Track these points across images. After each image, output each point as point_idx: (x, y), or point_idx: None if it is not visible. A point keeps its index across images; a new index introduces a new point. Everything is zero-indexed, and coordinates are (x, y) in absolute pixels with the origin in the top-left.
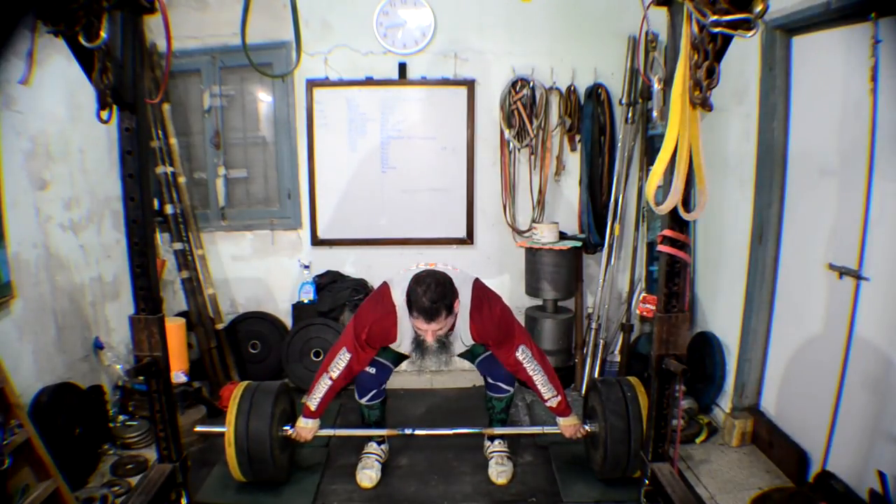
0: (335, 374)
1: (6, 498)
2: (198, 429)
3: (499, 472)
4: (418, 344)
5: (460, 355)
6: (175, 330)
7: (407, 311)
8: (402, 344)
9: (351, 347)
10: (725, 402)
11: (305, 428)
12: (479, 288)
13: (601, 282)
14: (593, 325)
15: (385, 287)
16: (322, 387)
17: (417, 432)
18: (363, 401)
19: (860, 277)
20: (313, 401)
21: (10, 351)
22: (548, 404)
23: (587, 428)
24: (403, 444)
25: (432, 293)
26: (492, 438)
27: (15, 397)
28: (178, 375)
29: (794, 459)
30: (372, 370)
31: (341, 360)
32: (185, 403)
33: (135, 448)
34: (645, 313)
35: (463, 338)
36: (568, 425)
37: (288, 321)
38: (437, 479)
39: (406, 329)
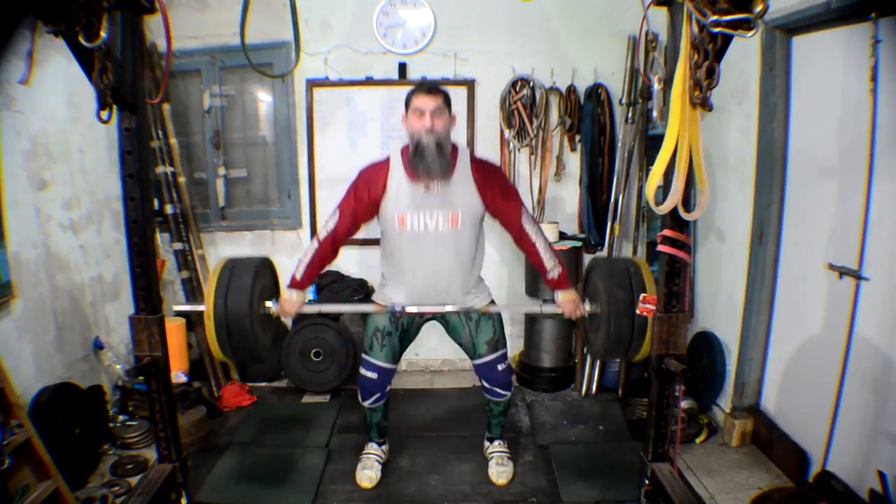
0: (323, 234)
1: (6, 498)
2: (176, 307)
3: (499, 472)
4: (415, 150)
5: (456, 340)
6: (175, 330)
7: (400, 159)
8: (393, 189)
9: (342, 205)
10: (725, 402)
11: (290, 301)
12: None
13: None
14: None
15: None
16: (309, 251)
17: (409, 310)
18: (366, 403)
19: (860, 277)
20: (299, 269)
21: (10, 351)
22: (549, 276)
23: (587, 308)
24: (403, 444)
25: (431, 82)
26: (492, 439)
27: (15, 397)
28: (178, 375)
29: (794, 459)
30: (374, 375)
31: (331, 221)
32: (185, 403)
33: (135, 448)
34: (645, 313)
35: (464, 179)
36: (567, 300)
37: (288, 321)
38: (437, 479)
39: (397, 170)
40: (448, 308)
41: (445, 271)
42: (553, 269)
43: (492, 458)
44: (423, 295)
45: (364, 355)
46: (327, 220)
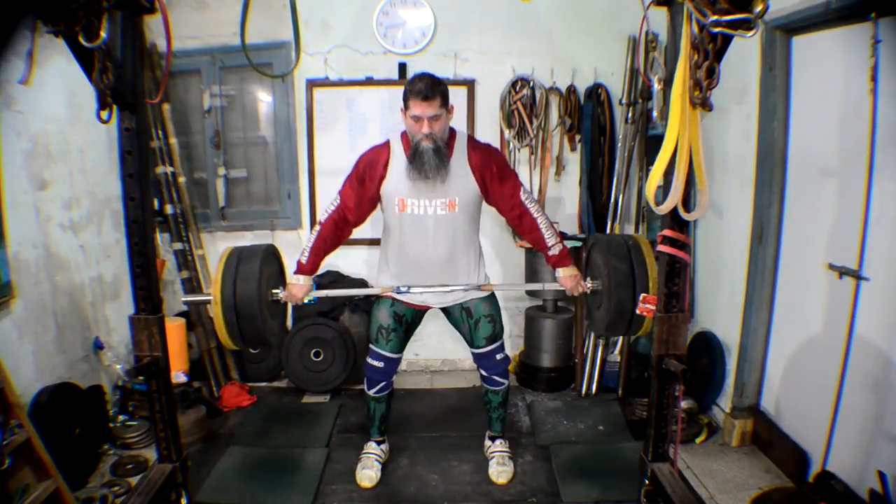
0: (323, 217)
1: (6, 498)
2: (184, 298)
3: (499, 472)
4: (414, 154)
5: (454, 321)
6: (175, 330)
7: (400, 144)
8: (393, 174)
9: (342, 191)
10: (725, 402)
11: (297, 285)
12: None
13: None
14: None
15: None
16: (312, 237)
17: (413, 290)
18: (371, 392)
19: (860, 277)
20: (304, 254)
21: (10, 351)
22: (550, 253)
23: (589, 284)
24: (403, 444)
25: (428, 79)
26: (493, 438)
27: (15, 397)
28: (178, 375)
29: (794, 459)
30: (380, 364)
31: (332, 205)
32: (185, 403)
33: (135, 448)
34: (645, 313)
35: (460, 166)
36: (568, 276)
37: (288, 321)
38: (437, 478)
39: (398, 156)
40: (451, 289)
41: (444, 250)
42: (554, 245)
43: (493, 457)
44: (422, 273)
45: (371, 346)
46: (328, 206)
